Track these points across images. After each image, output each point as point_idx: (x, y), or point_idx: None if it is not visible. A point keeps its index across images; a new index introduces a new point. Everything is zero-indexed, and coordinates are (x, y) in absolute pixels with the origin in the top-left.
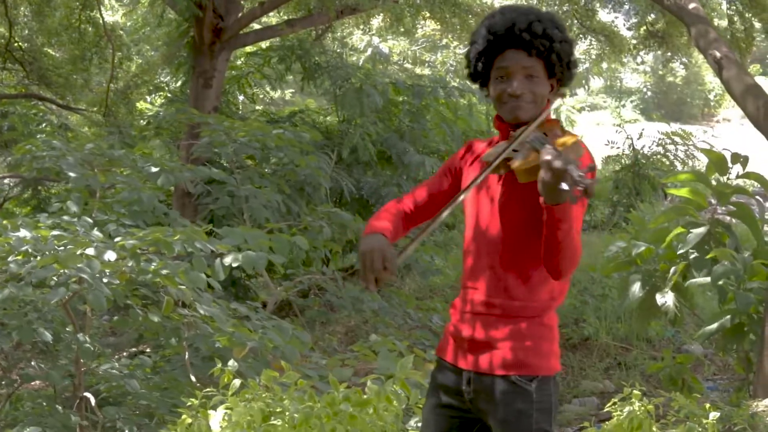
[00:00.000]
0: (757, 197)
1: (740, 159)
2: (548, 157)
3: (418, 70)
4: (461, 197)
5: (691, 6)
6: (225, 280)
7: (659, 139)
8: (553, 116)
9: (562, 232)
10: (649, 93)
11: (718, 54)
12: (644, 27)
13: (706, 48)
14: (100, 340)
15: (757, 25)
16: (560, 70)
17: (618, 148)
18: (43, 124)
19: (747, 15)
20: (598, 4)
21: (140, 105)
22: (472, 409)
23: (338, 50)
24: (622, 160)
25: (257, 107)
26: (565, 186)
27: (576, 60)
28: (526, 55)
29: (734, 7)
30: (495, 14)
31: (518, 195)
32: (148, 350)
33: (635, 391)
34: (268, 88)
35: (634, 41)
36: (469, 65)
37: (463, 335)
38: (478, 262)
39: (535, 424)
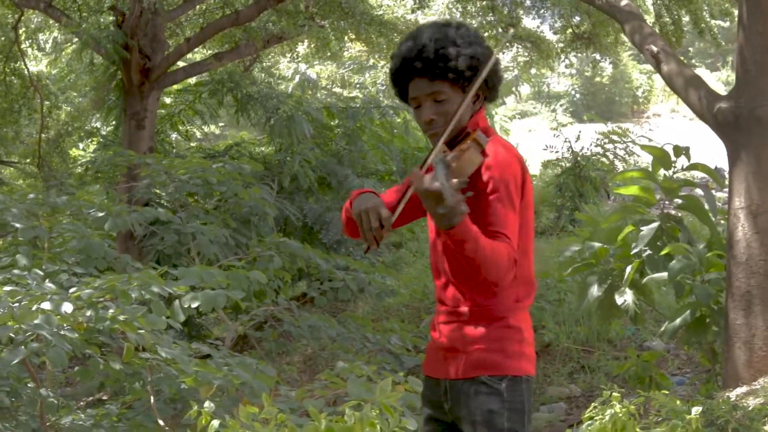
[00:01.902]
0: (707, 185)
1: (683, 151)
2: (420, 185)
3: (347, 93)
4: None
5: (623, 3)
6: None
7: (597, 139)
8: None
9: (469, 251)
10: (577, 95)
11: (654, 48)
12: (570, 30)
13: (641, 43)
14: (57, 391)
15: (685, 18)
16: (464, 84)
17: (557, 152)
18: None
19: (673, 8)
20: (521, 12)
21: (73, 152)
22: (454, 420)
23: (267, 80)
24: (562, 164)
25: (191, 144)
26: (440, 210)
27: (483, 66)
28: (428, 80)
29: (660, 1)
30: (399, 44)
31: None
32: (105, 398)
33: (615, 394)
34: (199, 124)
35: (561, 45)
36: (394, 91)
37: (438, 346)
38: (440, 276)
39: (507, 422)
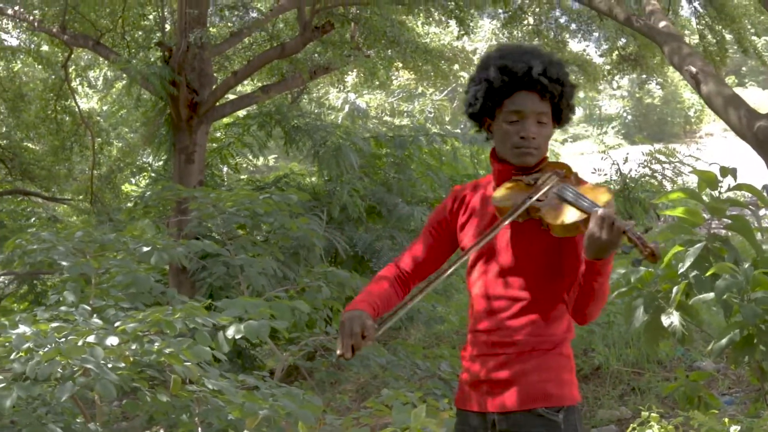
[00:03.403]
0: (751, 207)
1: (729, 171)
2: (606, 217)
3: (397, 122)
4: (471, 252)
5: (662, 25)
6: (230, 351)
7: (644, 160)
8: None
9: (598, 284)
10: (629, 117)
11: (693, 69)
12: (616, 52)
13: (681, 64)
14: (113, 427)
15: (729, 36)
16: (565, 114)
17: (605, 174)
18: (32, 219)
19: (717, 28)
20: (567, 35)
21: (125, 188)
22: None
23: (316, 111)
24: (611, 187)
25: (242, 177)
26: (625, 249)
27: (574, 103)
28: (539, 98)
29: (704, 22)
30: (505, 54)
31: (539, 240)
32: (161, 431)
33: (653, 414)
34: (250, 157)
35: (607, 67)
36: (472, 103)
37: (482, 378)
38: (493, 306)
39: None
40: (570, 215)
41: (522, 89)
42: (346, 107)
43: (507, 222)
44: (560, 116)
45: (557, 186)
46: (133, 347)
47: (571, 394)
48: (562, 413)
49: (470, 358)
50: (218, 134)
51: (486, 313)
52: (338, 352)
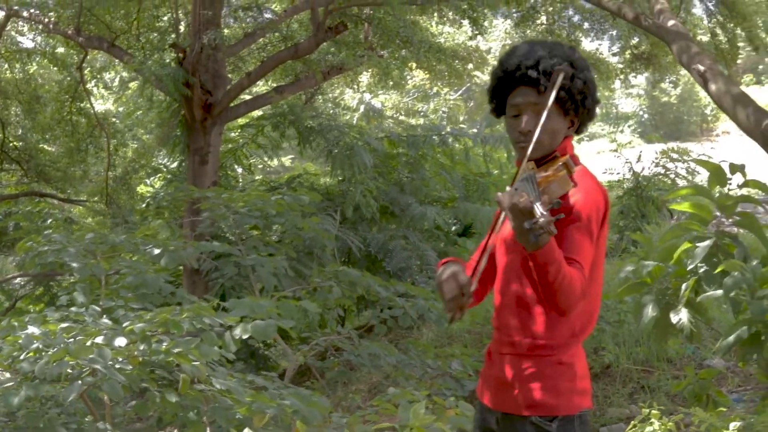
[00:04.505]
0: (764, 204)
1: (738, 168)
2: (507, 197)
3: (413, 121)
4: (488, 246)
5: (670, 23)
6: (244, 352)
7: (657, 158)
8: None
9: (551, 275)
10: (645, 116)
11: (701, 68)
12: (629, 51)
13: (689, 63)
14: (126, 427)
15: (741, 34)
16: (572, 107)
17: (618, 173)
18: (48, 220)
19: (729, 25)
20: (580, 34)
21: (141, 189)
22: None
23: (331, 111)
24: (624, 185)
25: (256, 177)
26: (527, 225)
27: (593, 95)
28: (535, 92)
29: (715, 20)
30: (511, 51)
31: None
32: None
33: (654, 411)
34: (265, 158)
35: (620, 66)
36: (489, 102)
37: (490, 375)
38: (501, 302)
39: None
40: None
41: (521, 85)
42: (362, 107)
43: (500, 224)
44: (575, 108)
45: (524, 173)
46: (142, 347)
47: (568, 403)
48: (556, 422)
49: (489, 351)
50: (232, 135)
51: (496, 309)
52: (449, 318)
